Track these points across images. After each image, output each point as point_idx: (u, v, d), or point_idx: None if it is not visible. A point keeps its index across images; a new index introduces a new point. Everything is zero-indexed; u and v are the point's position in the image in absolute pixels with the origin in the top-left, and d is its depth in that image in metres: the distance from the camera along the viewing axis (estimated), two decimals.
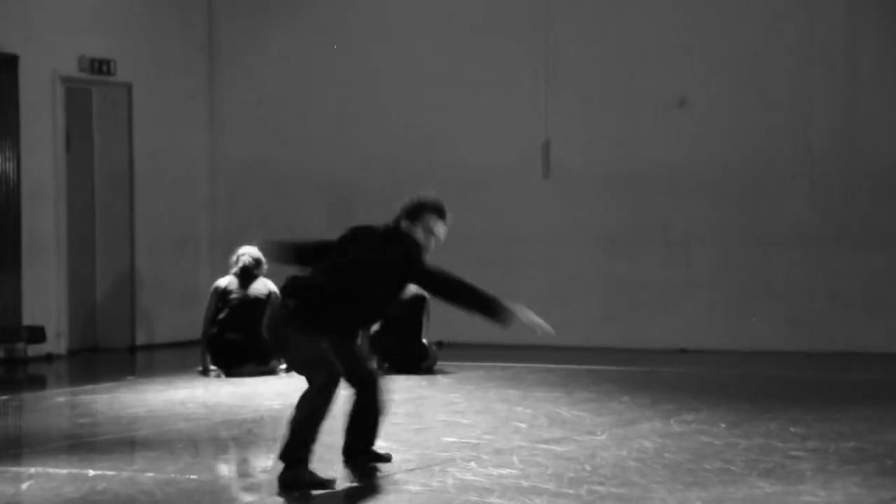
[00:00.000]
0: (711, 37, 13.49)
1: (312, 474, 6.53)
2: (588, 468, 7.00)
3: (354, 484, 6.61)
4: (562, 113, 13.92)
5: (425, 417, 8.94)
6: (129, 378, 11.60)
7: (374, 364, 11.78)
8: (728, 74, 13.42)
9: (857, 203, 13.04)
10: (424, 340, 11.64)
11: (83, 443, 8.22)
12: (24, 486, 6.73)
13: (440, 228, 6.99)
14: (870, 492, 6.27)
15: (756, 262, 13.39)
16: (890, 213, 12.93)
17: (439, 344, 12.11)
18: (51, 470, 7.11)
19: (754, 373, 11.62)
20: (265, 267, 11.55)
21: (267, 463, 7.23)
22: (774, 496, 6.20)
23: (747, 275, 13.42)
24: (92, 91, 14.25)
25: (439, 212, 7.01)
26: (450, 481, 6.66)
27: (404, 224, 6.99)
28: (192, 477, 6.89)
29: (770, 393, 10.23)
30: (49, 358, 13.21)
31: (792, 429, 8.20)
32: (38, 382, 12.23)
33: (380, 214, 14.39)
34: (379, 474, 6.91)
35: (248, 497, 6.65)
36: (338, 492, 6.45)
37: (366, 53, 14.68)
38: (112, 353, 13.97)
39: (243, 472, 7.47)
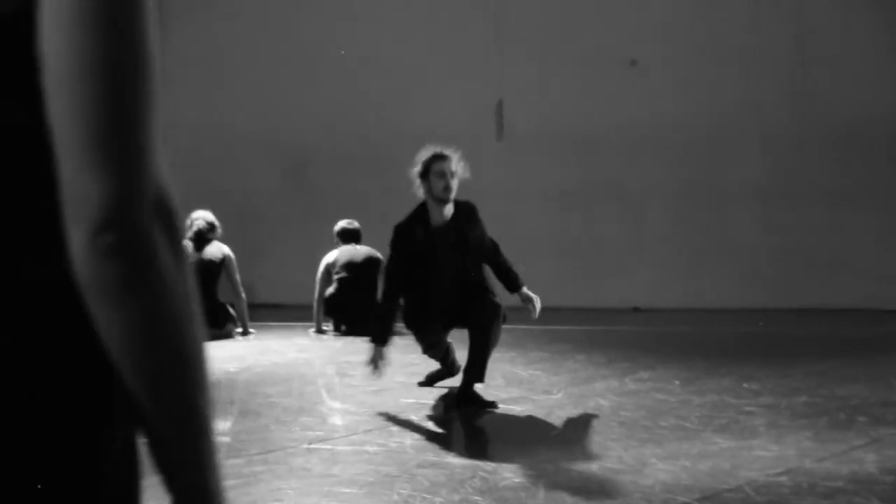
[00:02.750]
0: None
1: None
2: (544, 427, 7.06)
3: (312, 445, 6.64)
4: (514, 74, 13.93)
5: (382, 379, 8.96)
6: None
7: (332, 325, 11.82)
8: (679, 33, 13.47)
9: (809, 160, 13.15)
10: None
11: None
12: None
13: (443, 166, 7.70)
14: (821, 445, 6.36)
15: (710, 220, 13.49)
16: (841, 169, 13.04)
17: None
18: None
19: (709, 331, 11.71)
20: (219, 231, 11.54)
21: (224, 425, 7.23)
22: (728, 451, 6.27)
23: (701, 233, 13.52)
24: None
25: (433, 157, 7.75)
26: (408, 441, 6.69)
27: (422, 190, 7.77)
28: (145, 441, 6.87)
29: (724, 350, 10.32)
30: None
31: (745, 385, 8.29)
32: None
33: (332, 177, 14.51)
34: (337, 435, 6.93)
35: None
36: (298, 448, 6.47)
37: (317, 15, 14.62)
38: None
39: None
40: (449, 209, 7.80)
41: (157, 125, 1.35)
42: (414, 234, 7.76)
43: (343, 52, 14.53)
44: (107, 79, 1.30)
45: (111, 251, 1.29)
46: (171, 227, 1.33)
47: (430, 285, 7.77)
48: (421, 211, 7.84)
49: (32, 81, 1.32)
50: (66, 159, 1.30)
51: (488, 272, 8.04)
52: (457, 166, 7.81)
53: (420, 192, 7.79)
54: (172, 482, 1.39)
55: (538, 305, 8.00)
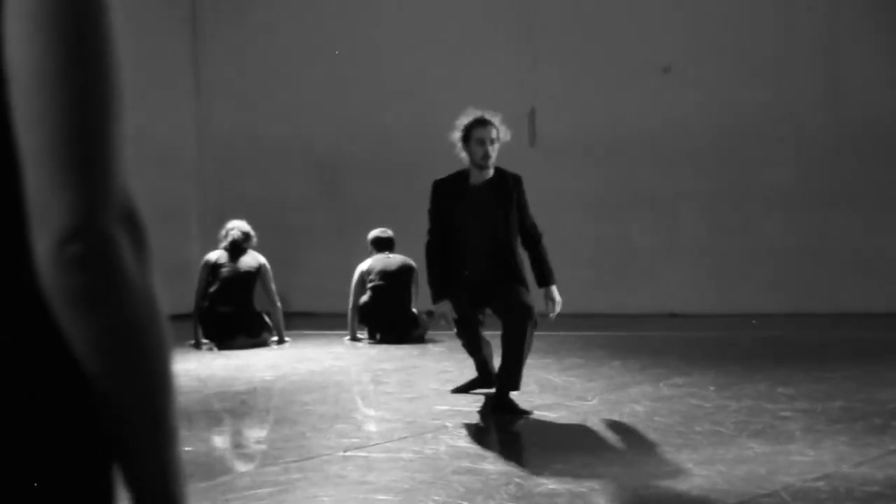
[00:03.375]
0: (694, 1, 13.51)
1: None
2: (579, 433, 7.06)
3: (348, 453, 6.66)
4: (547, 81, 13.94)
5: (417, 386, 8.98)
6: None
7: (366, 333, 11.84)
8: (711, 39, 13.45)
9: (841, 165, 13.10)
10: (414, 310, 11.69)
11: None
12: None
13: (482, 133, 7.75)
14: (858, 450, 6.33)
15: (743, 225, 13.46)
16: (874, 174, 12.99)
17: (429, 313, 12.13)
18: None
19: (743, 335, 11.68)
20: (254, 240, 11.61)
21: (261, 433, 7.27)
22: (764, 456, 6.26)
23: (734, 238, 13.49)
24: None
25: (473, 123, 7.80)
26: (442, 448, 6.70)
27: (464, 154, 7.86)
28: (187, 449, 6.92)
29: (758, 355, 10.29)
30: None
31: (780, 390, 8.26)
32: None
33: (365, 186, 14.55)
34: (372, 442, 6.95)
35: (243, 467, 6.70)
36: (334, 456, 6.50)
37: (350, 26, 14.67)
38: None
39: (237, 444, 7.51)
40: (489, 174, 7.82)
41: (124, 134, 1.34)
42: (450, 189, 7.86)
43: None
44: (70, 88, 1.30)
45: (77, 261, 1.29)
46: (138, 236, 1.34)
47: (462, 248, 7.80)
48: (462, 173, 7.94)
49: None
50: (32, 169, 1.30)
51: (525, 265, 7.98)
52: (497, 133, 7.85)
53: (462, 155, 7.87)
54: (137, 493, 1.39)
55: (557, 309, 7.96)
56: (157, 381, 1.37)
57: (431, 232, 7.93)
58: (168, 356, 1.38)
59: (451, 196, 7.86)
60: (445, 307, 7.77)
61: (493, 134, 7.82)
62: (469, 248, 7.80)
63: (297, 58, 14.85)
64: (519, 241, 7.94)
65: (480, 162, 7.80)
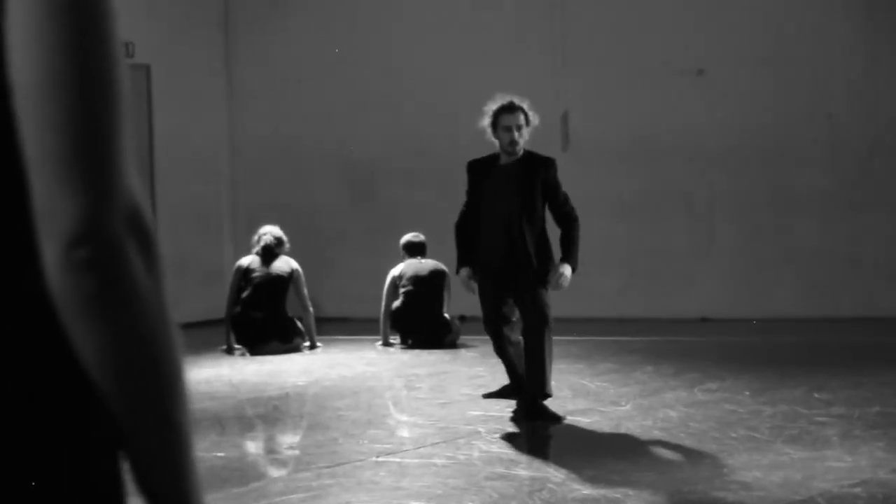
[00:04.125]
0: (728, 3, 13.44)
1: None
2: (613, 439, 7.02)
3: (380, 458, 6.65)
4: (580, 84, 13.89)
5: (449, 391, 8.96)
6: None
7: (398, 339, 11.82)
8: (744, 41, 13.38)
9: (878, 168, 13.00)
10: (447, 315, 11.67)
11: None
12: None
13: (509, 120, 7.78)
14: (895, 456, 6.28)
15: (778, 229, 13.37)
16: None
17: (462, 318, 12.13)
18: None
19: (777, 340, 11.60)
20: (287, 245, 11.62)
21: (293, 439, 7.26)
22: (800, 462, 6.21)
23: (769, 242, 13.41)
24: None
25: (500, 109, 7.83)
26: (476, 454, 6.68)
27: (495, 140, 7.92)
28: (220, 455, 6.93)
29: (794, 360, 10.22)
30: None
31: (816, 395, 8.20)
32: None
33: (397, 191, 14.54)
34: (405, 448, 6.94)
35: (275, 473, 6.69)
36: (366, 461, 6.48)
37: (383, 31, 14.68)
38: None
39: (270, 449, 7.51)
40: (517, 158, 7.86)
41: (128, 138, 1.35)
42: (480, 168, 7.97)
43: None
44: (74, 93, 1.30)
45: (84, 265, 1.29)
46: (146, 241, 1.33)
47: (485, 228, 7.83)
48: (495, 154, 7.99)
49: (1, 98, 1.32)
50: (38, 175, 1.30)
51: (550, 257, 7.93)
52: (524, 118, 7.86)
53: (493, 141, 7.93)
54: (151, 496, 1.38)
55: (557, 284, 7.73)
56: (167, 386, 1.35)
57: (464, 206, 8.10)
58: (178, 359, 1.37)
59: (480, 174, 7.98)
60: (464, 273, 7.91)
61: (521, 120, 7.84)
62: (485, 227, 7.84)
63: (330, 62, 14.85)
64: (539, 228, 7.82)
65: (508, 148, 7.84)
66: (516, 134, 7.79)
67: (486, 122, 7.90)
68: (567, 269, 7.77)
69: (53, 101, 1.30)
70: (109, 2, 1.34)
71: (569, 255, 7.82)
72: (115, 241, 1.30)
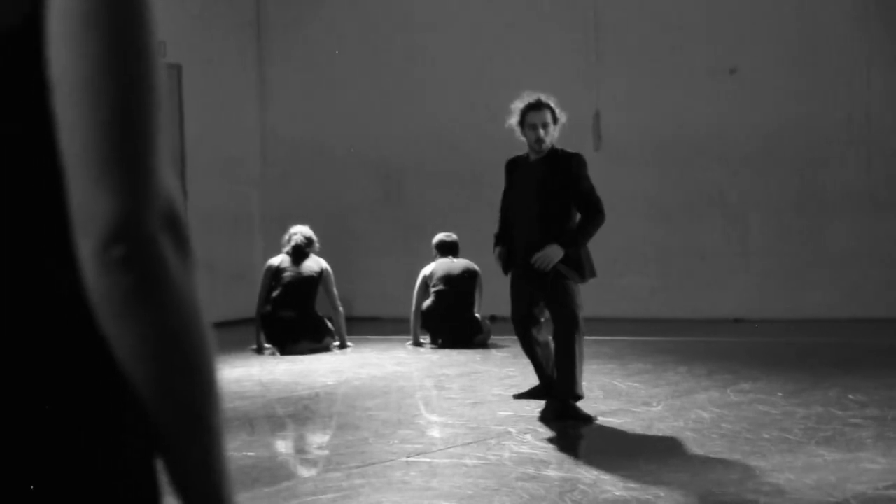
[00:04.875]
0: (761, 2, 13.36)
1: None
2: (644, 440, 6.98)
3: (411, 458, 6.62)
4: (612, 84, 13.84)
5: (480, 391, 8.93)
6: None
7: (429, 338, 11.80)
8: (780, 39, 13.29)
9: None
10: (478, 315, 11.64)
11: None
12: None
13: (535, 118, 7.75)
14: None
15: (812, 229, 13.29)
16: None
17: (492, 318, 12.09)
18: None
19: (811, 341, 11.52)
20: (317, 245, 11.62)
21: (324, 439, 7.25)
22: (834, 464, 6.15)
23: (803, 243, 13.32)
24: None
25: (527, 107, 7.81)
26: (506, 454, 6.65)
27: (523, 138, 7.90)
28: (250, 454, 6.92)
29: (827, 361, 10.13)
30: None
31: (851, 396, 8.13)
32: None
33: (428, 191, 14.53)
34: (435, 448, 6.91)
35: (305, 473, 6.68)
36: (397, 461, 6.46)
37: (412, 31, 14.66)
38: None
39: (300, 449, 7.50)
40: (544, 155, 7.83)
41: (165, 136, 1.35)
42: (513, 165, 8.03)
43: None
44: (114, 89, 1.31)
45: (120, 264, 1.29)
46: (181, 239, 1.34)
47: (515, 225, 7.85)
48: (528, 153, 7.99)
49: (40, 96, 1.33)
50: (75, 174, 1.31)
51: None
52: (551, 116, 7.83)
53: (522, 139, 7.94)
54: (184, 494, 1.39)
55: (539, 262, 7.56)
56: (201, 383, 1.36)
57: (501, 213, 8.18)
58: (211, 357, 1.37)
59: (512, 170, 8.04)
60: (499, 250, 7.93)
61: (547, 118, 7.79)
62: (515, 225, 7.88)
63: (361, 63, 14.84)
64: (565, 225, 7.68)
65: (534, 146, 7.83)
66: (542, 131, 7.74)
67: (514, 120, 7.88)
68: (551, 249, 7.55)
69: (95, 101, 1.30)
70: (148, 2, 1.36)
71: (566, 238, 7.61)
72: (151, 240, 1.31)
